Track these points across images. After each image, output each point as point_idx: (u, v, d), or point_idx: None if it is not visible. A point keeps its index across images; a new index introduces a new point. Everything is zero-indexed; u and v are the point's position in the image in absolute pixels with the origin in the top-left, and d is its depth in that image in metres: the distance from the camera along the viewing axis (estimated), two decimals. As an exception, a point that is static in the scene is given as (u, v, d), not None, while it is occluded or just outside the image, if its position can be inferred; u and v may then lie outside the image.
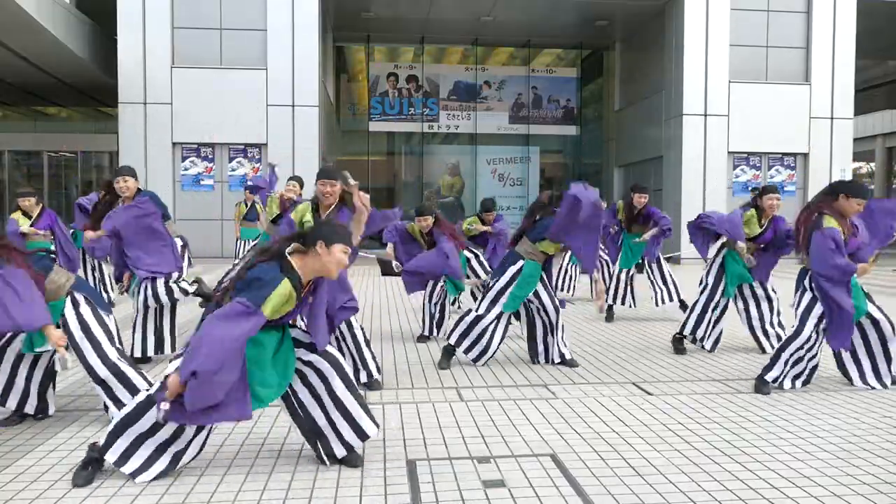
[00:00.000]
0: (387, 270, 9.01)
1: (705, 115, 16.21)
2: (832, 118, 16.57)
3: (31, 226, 7.16)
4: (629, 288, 7.68)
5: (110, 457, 3.01)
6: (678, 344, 5.90)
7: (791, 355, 4.52)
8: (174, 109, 14.84)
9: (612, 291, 7.68)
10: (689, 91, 16.13)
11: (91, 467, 3.04)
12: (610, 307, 7.66)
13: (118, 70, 14.74)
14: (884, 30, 18.81)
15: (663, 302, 7.65)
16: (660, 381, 4.90)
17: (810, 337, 4.46)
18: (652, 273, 7.71)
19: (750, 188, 14.61)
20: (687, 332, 5.79)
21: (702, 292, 5.76)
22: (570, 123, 22.24)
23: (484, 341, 5.19)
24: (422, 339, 6.45)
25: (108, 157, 19.61)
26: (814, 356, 4.59)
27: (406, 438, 3.61)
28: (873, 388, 4.64)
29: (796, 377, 4.61)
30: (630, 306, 7.67)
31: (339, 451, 3.18)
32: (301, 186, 7.63)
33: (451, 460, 3.30)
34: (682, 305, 7.63)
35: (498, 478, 3.09)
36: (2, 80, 17.27)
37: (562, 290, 9.20)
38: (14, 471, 3.17)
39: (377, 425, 3.25)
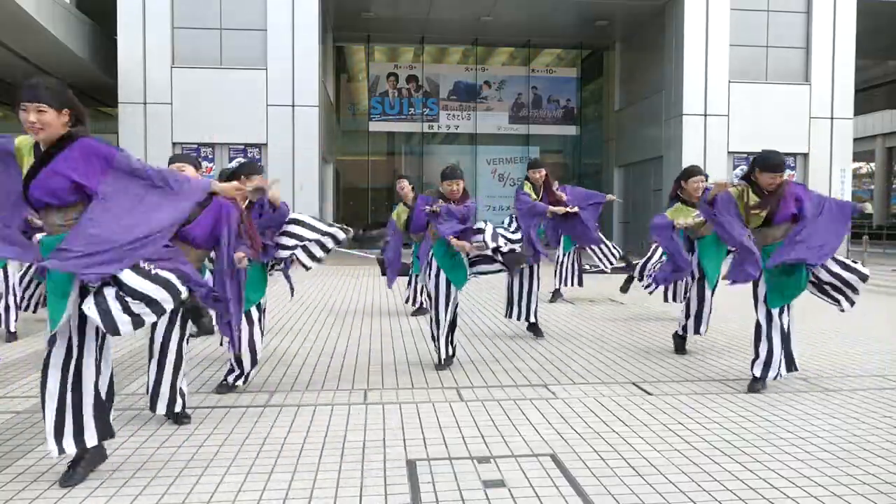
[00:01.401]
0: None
1: (705, 115, 16.21)
2: (832, 118, 16.58)
3: None
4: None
5: (68, 447, 2.95)
6: (680, 342, 5.89)
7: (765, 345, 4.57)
8: (174, 109, 14.84)
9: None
10: (689, 91, 16.13)
11: (79, 467, 3.03)
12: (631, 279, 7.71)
13: (118, 70, 14.74)
14: (884, 30, 18.83)
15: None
16: (660, 381, 4.90)
17: (759, 322, 4.57)
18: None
19: None
20: (690, 333, 5.81)
21: (695, 291, 5.79)
22: (570, 123, 22.25)
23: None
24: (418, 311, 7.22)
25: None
26: (781, 339, 4.59)
27: (406, 438, 3.61)
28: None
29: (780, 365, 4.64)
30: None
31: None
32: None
33: (451, 460, 3.30)
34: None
35: (498, 478, 3.09)
36: (2, 80, 17.27)
37: (564, 284, 9.13)
38: (14, 471, 3.17)
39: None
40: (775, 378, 4.62)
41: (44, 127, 2.82)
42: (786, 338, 4.57)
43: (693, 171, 5.82)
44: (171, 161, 4.21)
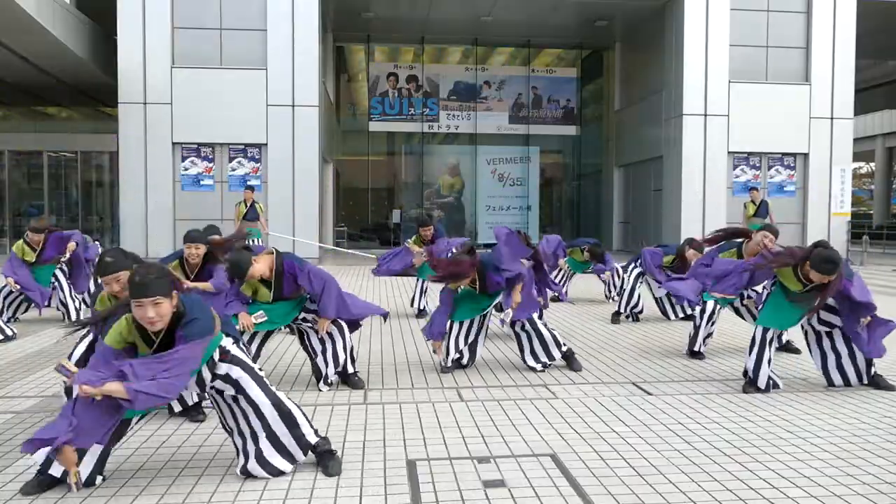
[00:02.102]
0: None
1: (705, 115, 16.20)
2: (832, 118, 16.57)
3: (36, 258, 7.02)
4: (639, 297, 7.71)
5: (38, 456, 2.93)
6: (695, 356, 5.76)
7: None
8: (174, 109, 14.83)
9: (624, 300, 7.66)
10: (689, 91, 16.13)
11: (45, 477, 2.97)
12: (618, 313, 7.66)
13: (118, 70, 14.73)
14: (884, 30, 18.81)
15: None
16: (660, 381, 4.90)
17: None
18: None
19: (749, 187, 14.61)
20: (696, 347, 5.70)
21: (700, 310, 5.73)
22: (570, 123, 22.24)
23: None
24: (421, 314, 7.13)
25: (108, 157, 19.61)
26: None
27: (406, 438, 3.61)
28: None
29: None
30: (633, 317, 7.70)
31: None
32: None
33: (451, 460, 3.30)
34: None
35: (498, 478, 3.09)
36: (2, 80, 17.27)
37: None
38: (14, 471, 3.17)
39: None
40: (765, 389, 4.58)
41: (161, 318, 2.92)
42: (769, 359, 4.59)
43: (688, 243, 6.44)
44: (185, 240, 4.86)
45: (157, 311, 2.89)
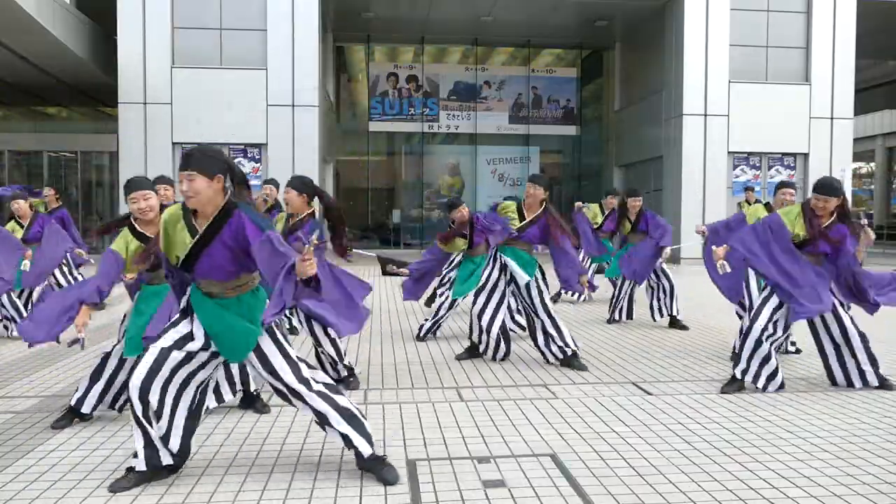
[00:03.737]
0: (387, 270, 8.89)
1: (705, 115, 16.20)
2: (832, 118, 16.57)
3: (23, 236, 6.39)
4: (630, 301, 7.61)
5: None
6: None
7: (752, 348, 4.50)
8: (174, 109, 14.83)
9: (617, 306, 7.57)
10: (689, 91, 16.12)
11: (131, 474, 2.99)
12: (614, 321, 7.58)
13: (118, 70, 14.73)
14: (884, 30, 18.81)
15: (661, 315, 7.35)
16: (660, 381, 4.90)
17: (766, 327, 4.51)
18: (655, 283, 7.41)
19: (745, 187, 14.61)
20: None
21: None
22: (570, 123, 22.24)
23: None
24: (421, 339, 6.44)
25: (108, 157, 19.60)
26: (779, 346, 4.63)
27: (406, 438, 3.61)
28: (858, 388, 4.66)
29: (769, 377, 4.54)
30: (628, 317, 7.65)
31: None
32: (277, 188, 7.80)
33: (451, 460, 3.30)
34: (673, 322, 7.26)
35: (498, 478, 3.09)
36: (2, 80, 17.26)
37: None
38: (14, 471, 3.17)
39: None
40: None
41: (194, 195, 2.86)
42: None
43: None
44: (156, 182, 4.49)
45: (190, 187, 2.84)
